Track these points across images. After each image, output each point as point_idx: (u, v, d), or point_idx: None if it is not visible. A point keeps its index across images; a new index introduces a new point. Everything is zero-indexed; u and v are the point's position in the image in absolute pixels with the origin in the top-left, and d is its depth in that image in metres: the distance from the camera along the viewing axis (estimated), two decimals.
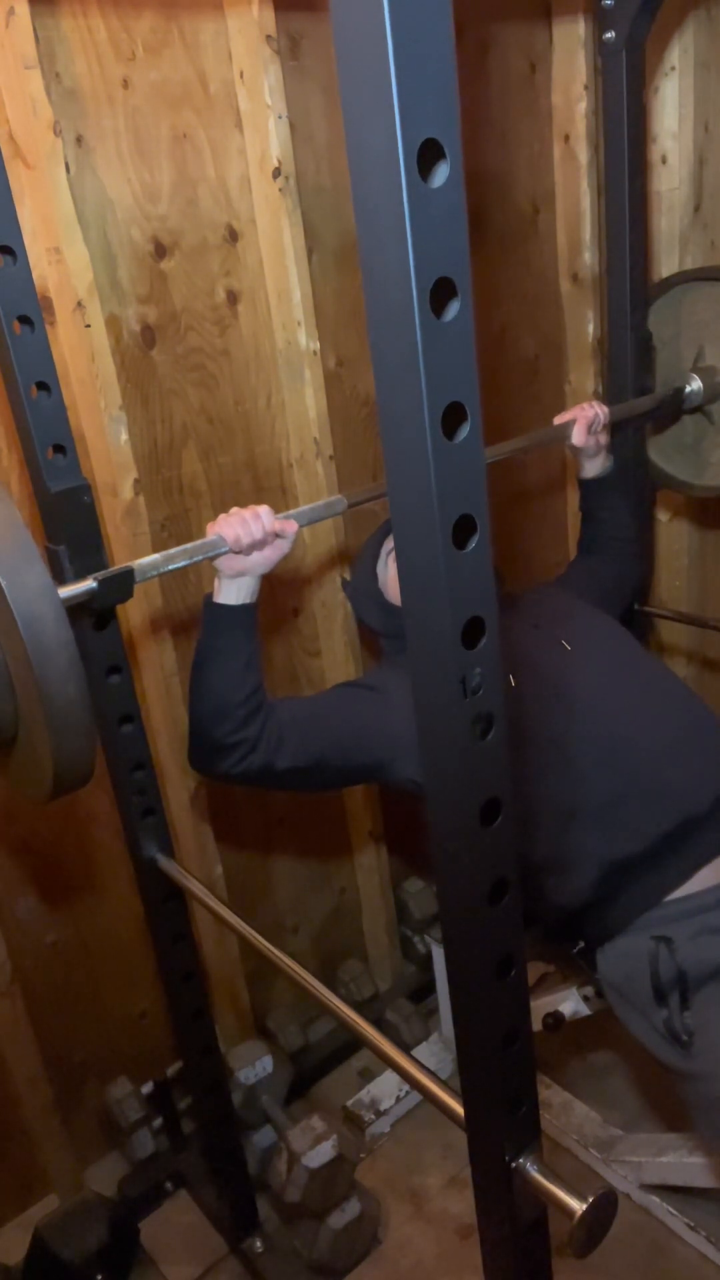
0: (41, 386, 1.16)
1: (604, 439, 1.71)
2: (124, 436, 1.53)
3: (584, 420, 1.65)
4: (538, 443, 1.74)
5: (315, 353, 1.69)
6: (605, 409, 1.68)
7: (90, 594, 1.11)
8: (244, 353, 1.68)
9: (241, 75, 1.54)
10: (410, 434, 0.57)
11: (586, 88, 1.93)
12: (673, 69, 1.96)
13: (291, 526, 1.29)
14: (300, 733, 1.34)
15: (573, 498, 2.29)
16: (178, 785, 1.74)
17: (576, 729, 1.38)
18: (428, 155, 0.51)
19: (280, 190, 1.58)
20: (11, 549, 0.87)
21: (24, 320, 1.13)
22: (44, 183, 1.36)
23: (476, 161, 1.92)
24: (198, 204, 1.56)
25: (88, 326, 1.44)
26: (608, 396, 2.06)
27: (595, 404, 1.68)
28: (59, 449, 1.19)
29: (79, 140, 1.42)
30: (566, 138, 1.99)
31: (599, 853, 1.33)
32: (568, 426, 1.66)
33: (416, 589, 0.63)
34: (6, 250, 1.10)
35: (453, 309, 0.55)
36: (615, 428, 1.80)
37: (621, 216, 1.82)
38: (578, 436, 1.65)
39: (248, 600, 1.31)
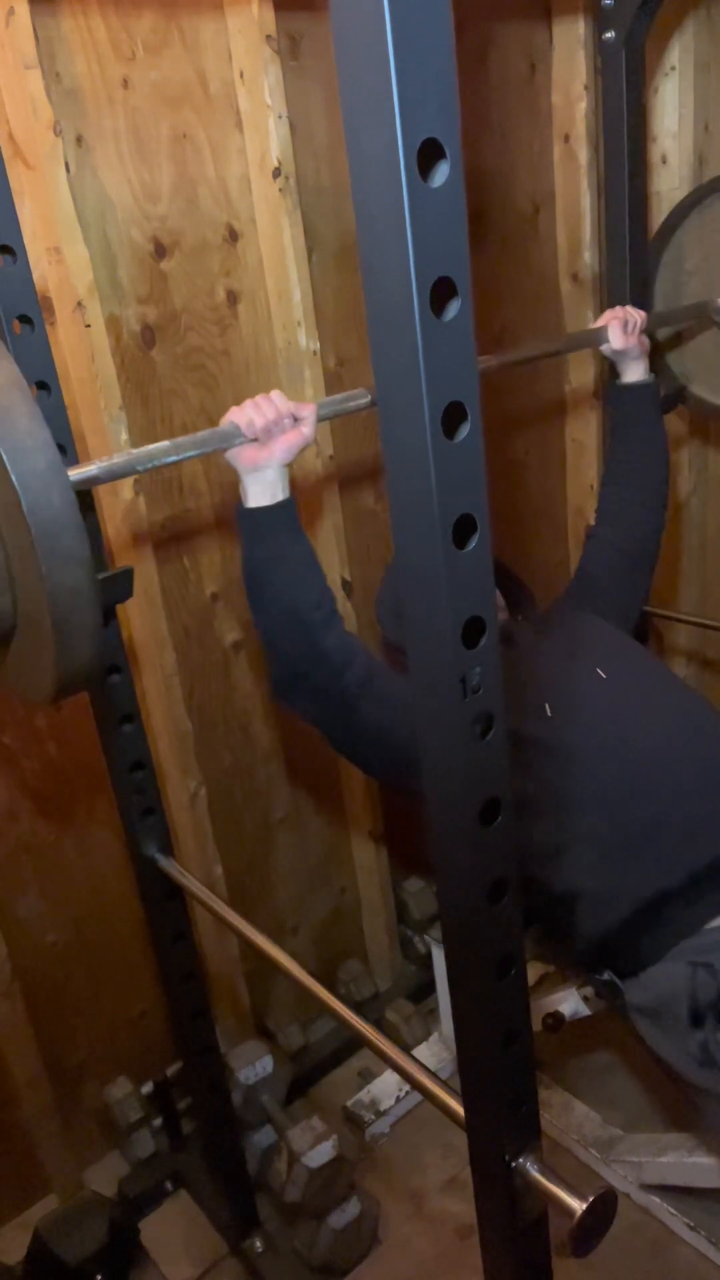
0: (41, 386, 1.16)
1: (646, 341, 1.66)
2: (124, 436, 1.53)
3: (618, 321, 1.62)
4: (568, 347, 1.68)
5: (315, 353, 1.69)
6: (640, 311, 1.65)
7: (93, 478, 1.05)
8: (244, 353, 1.68)
9: (241, 75, 1.54)
10: (410, 434, 0.57)
11: (586, 88, 1.93)
12: (673, 69, 1.96)
13: (308, 408, 1.21)
14: (383, 680, 1.27)
15: (573, 496, 2.29)
16: (178, 785, 1.74)
17: (613, 761, 1.35)
18: (428, 155, 0.51)
19: (280, 190, 1.58)
20: (16, 421, 0.79)
21: (24, 320, 1.13)
22: (44, 183, 1.36)
23: (476, 161, 1.92)
24: (198, 204, 1.56)
25: (88, 326, 1.44)
26: (608, 398, 2.06)
27: (627, 307, 1.65)
28: (59, 449, 1.19)
29: (79, 140, 1.42)
30: (566, 138, 1.99)
31: (636, 886, 1.29)
32: (603, 331, 1.62)
33: (416, 589, 0.63)
34: (6, 250, 1.10)
35: (453, 309, 0.55)
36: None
37: (621, 216, 1.82)
38: (616, 339, 1.61)
39: (281, 497, 1.21)
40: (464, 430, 0.58)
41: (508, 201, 1.99)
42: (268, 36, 1.50)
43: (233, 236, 1.62)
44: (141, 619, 1.62)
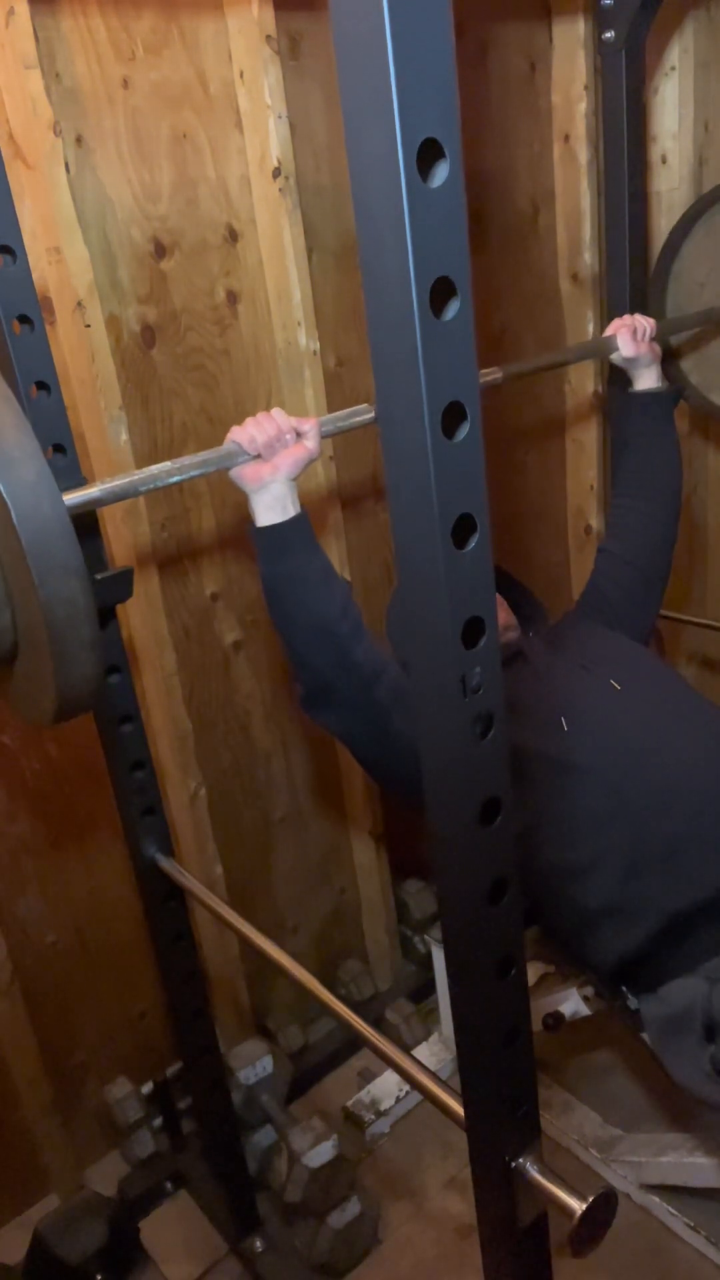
0: (41, 386, 1.16)
1: (657, 348, 1.65)
2: (124, 436, 1.53)
3: (627, 329, 1.60)
4: (579, 356, 1.67)
5: (315, 353, 1.69)
6: (648, 319, 1.64)
7: (94, 501, 1.04)
8: (244, 353, 1.68)
9: (241, 75, 1.54)
10: (410, 434, 0.57)
11: (586, 88, 1.93)
12: (673, 69, 1.96)
13: (310, 423, 1.20)
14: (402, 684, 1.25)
15: (573, 496, 2.29)
16: (178, 785, 1.74)
17: (633, 775, 1.34)
18: (428, 155, 0.51)
19: (280, 190, 1.58)
20: (4, 432, 0.79)
21: (24, 320, 1.13)
22: (44, 183, 1.36)
23: (476, 161, 1.92)
24: (198, 204, 1.56)
25: (88, 326, 1.44)
26: (608, 396, 2.06)
27: (635, 315, 1.64)
28: (59, 449, 1.19)
29: (79, 140, 1.42)
30: (566, 138, 1.99)
31: (661, 902, 1.28)
32: (612, 339, 1.61)
33: (416, 589, 0.63)
34: (6, 250, 1.10)
35: (453, 309, 0.55)
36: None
37: (621, 216, 1.82)
38: (626, 346, 1.60)
39: (292, 513, 1.19)
40: (464, 430, 0.58)
41: (508, 201, 1.99)
42: (268, 36, 1.50)
43: (233, 236, 1.62)
44: (141, 619, 1.62)
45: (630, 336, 1.61)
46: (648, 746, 1.37)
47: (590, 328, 2.12)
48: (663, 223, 2.06)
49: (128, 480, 1.07)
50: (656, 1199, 1.66)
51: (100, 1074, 1.85)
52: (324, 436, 1.22)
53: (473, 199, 1.84)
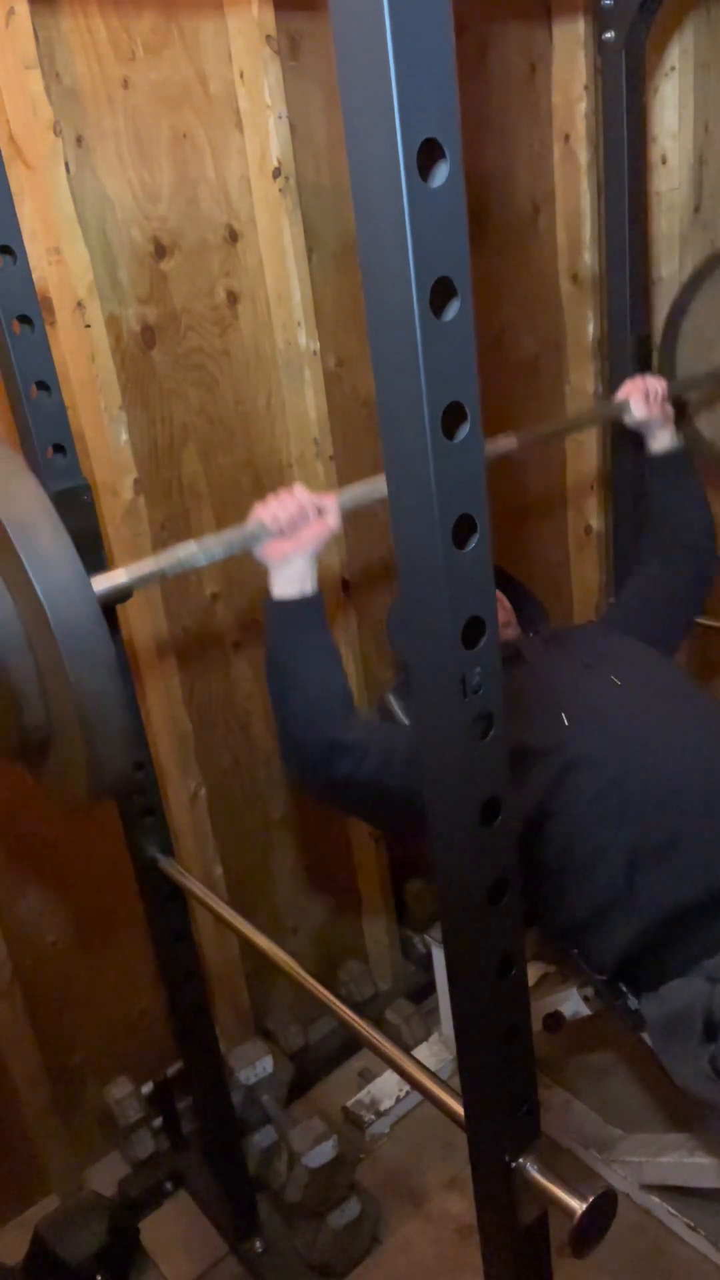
0: (41, 386, 1.16)
1: (669, 409, 1.66)
2: (124, 436, 1.53)
3: (639, 391, 1.62)
4: (591, 420, 1.69)
5: (315, 353, 1.69)
6: (659, 379, 1.65)
7: (122, 589, 1.05)
8: (244, 353, 1.68)
9: (241, 75, 1.54)
10: (410, 434, 0.57)
11: (586, 88, 1.93)
12: (673, 69, 1.96)
13: (330, 499, 1.23)
14: (404, 745, 1.27)
15: (573, 496, 2.29)
16: (178, 785, 1.74)
17: (634, 770, 1.34)
18: (428, 155, 0.51)
19: (280, 190, 1.58)
20: (42, 537, 0.80)
21: (24, 320, 1.13)
22: (44, 183, 1.36)
23: (476, 161, 1.92)
24: (198, 204, 1.56)
25: (88, 326, 1.44)
26: (608, 397, 2.06)
27: (646, 376, 1.65)
28: (59, 449, 1.19)
29: (79, 140, 1.42)
30: (566, 138, 1.99)
31: (662, 896, 1.28)
32: (624, 403, 1.62)
33: (416, 589, 0.63)
34: (6, 250, 1.10)
35: (453, 309, 0.55)
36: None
37: (621, 216, 1.82)
38: (638, 409, 1.62)
39: (309, 590, 1.23)
40: (464, 430, 0.58)
41: (508, 201, 1.99)
42: (268, 36, 1.51)
43: (233, 237, 1.62)
44: (141, 619, 1.62)
45: (643, 399, 1.62)
46: (648, 741, 1.38)
47: (590, 328, 2.12)
48: (663, 223, 2.06)
49: (155, 566, 1.09)
50: (656, 1199, 1.66)
51: (100, 1074, 1.85)
52: (342, 510, 1.25)
53: (473, 199, 1.84)
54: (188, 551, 1.10)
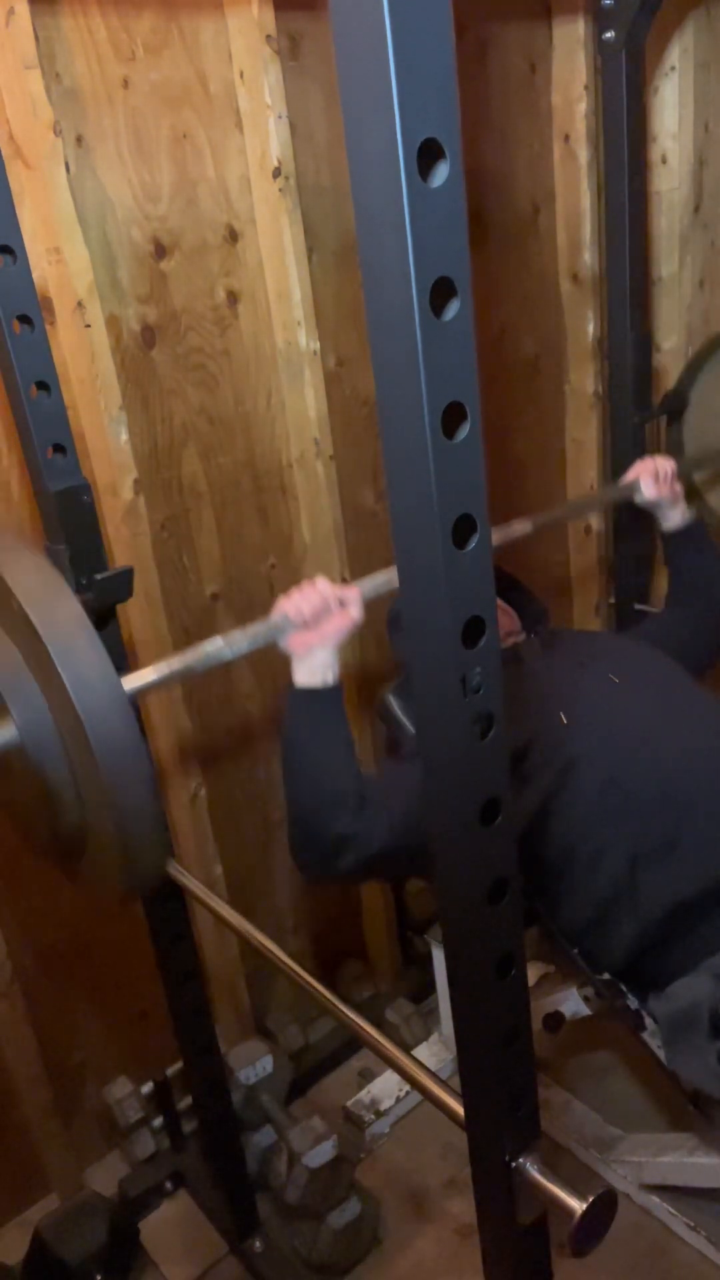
0: (41, 386, 1.16)
1: (678, 488, 1.69)
2: (124, 436, 1.53)
3: (648, 472, 1.64)
4: (602, 503, 1.72)
5: (315, 353, 1.69)
6: (668, 459, 1.68)
7: (150, 686, 1.08)
8: (244, 353, 1.68)
9: (241, 75, 1.54)
10: (410, 434, 0.57)
11: (586, 88, 1.93)
12: (673, 69, 1.96)
13: (353, 591, 1.25)
14: (400, 801, 1.27)
15: (573, 496, 2.29)
16: (178, 785, 1.74)
17: (633, 766, 1.35)
18: (428, 155, 0.51)
19: (280, 190, 1.58)
20: (81, 655, 0.82)
21: (24, 320, 1.13)
22: (44, 183, 1.36)
23: (476, 161, 1.92)
24: (198, 204, 1.56)
25: (88, 326, 1.44)
26: (608, 397, 2.06)
27: (655, 457, 1.67)
28: (59, 449, 1.19)
29: (79, 140, 1.42)
30: (566, 138, 1.99)
31: (664, 893, 1.29)
32: (634, 484, 1.65)
33: (416, 589, 0.63)
34: (6, 250, 1.10)
35: (453, 309, 0.55)
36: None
37: (621, 216, 1.82)
38: (648, 490, 1.64)
39: (331, 681, 1.24)
40: (464, 430, 0.58)
41: (508, 201, 1.99)
42: (268, 36, 1.51)
43: (233, 236, 1.62)
44: (141, 619, 1.62)
45: (652, 480, 1.64)
46: (647, 737, 1.38)
47: (590, 328, 2.12)
48: (663, 223, 2.06)
49: (182, 663, 1.11)
50: (656, 1199, 1.66)
51: (100, 1074, 1.85)
52: (365, 599, 1.26)
53: (473, 199, 1.84)
54: (214, 647, 1.12)
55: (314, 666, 1.23)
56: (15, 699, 0.86)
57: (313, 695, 1.24)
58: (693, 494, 1.75)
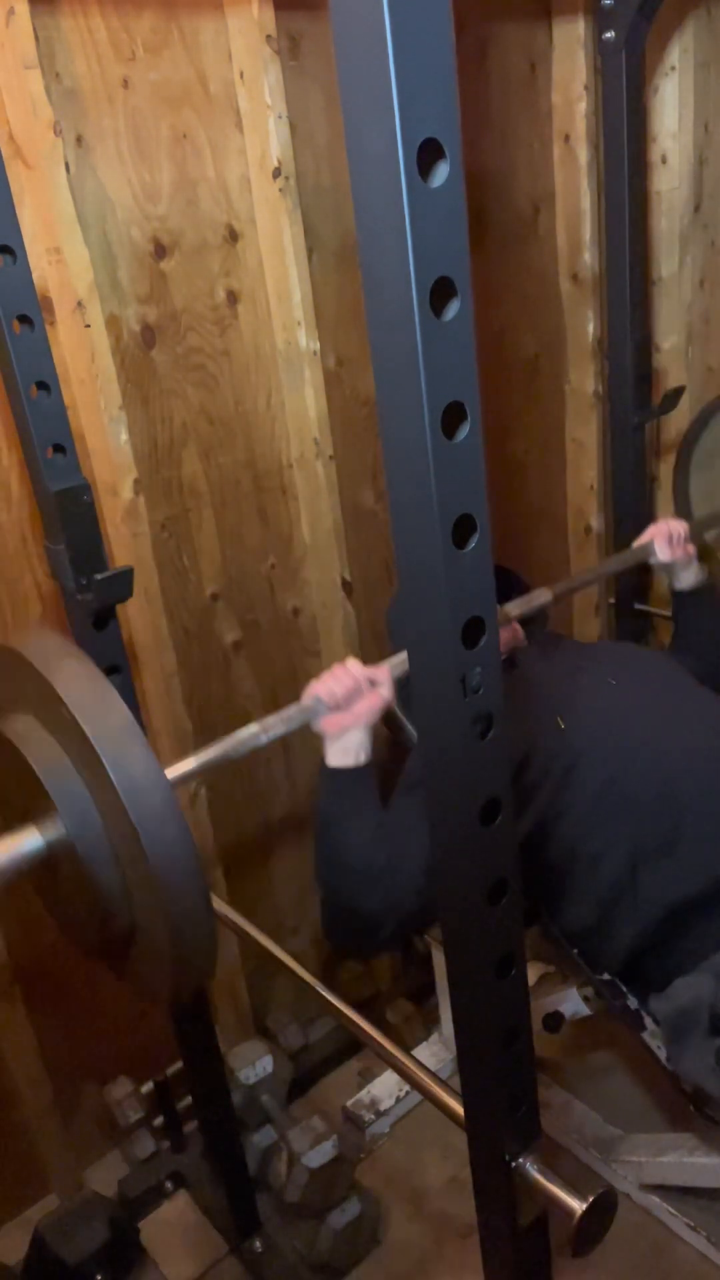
0: (41, 386, 1.16)
1: (691, 549, 1.70)
2: (124, 436, 1.53)
3: (662, 535, 1.66)
4: (619, 568, 1.74)
5: (315, 353, 1.69)
6: (681, 522, 1.69)
7: (191, 775, 1.10)
8: (244, 353, 1.68)
9: (241, 75, 1.54)
10: (410, 434, 0.57)
11: (586, 88, 1.93)
12: (673, 69, 1.96)
13: (383, 673, 1.26)
14: (418, 847, 1.26)
15: (573, 496, 2.29)
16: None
17: (632, 767, 1.35)
18: (428, 155, 0.51)
19: (280, 190, 1.58)
20: (133, 763, 0.83)
21: (24, 320, 1.13)
22: (44, 183, 1.36)
23: (476, 161, 1.92)
24: (198, 204, 1.56)
25: (88, 326, 1.44)
26: (608, 397, 2.06)
27: (669, 519, 1.69)
28: (59, 449, 1.19)
29: (79, 140, 1.42)
30: (566, 138, 1.99)
31: (664, 892, 1.29)
32: (648, 546, 1.67)
33: (416, 589, 0.63)
34: (6, 250, 1.10)
35: (453, 309, 0.55)
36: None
37: (621, 216, 1.82)
38: (663, 553, 1.66)
39: (363, 760, 1.26)
40: (464, 430, 0.58)
41: (508, 201, 1.99)
42: (268, 36, 1.51)
43: (233, 236, 1.62)
44: (141, 619, 1.62)
45: (666, 543, 1.65)
46: (646, 737, 1.38)
47: (590, 327, 2.12)
48: (663, 223, 2.06)
49: (220, 752, 1.13)
50: (656, 1199, 1.66)
51: (100, 1074, 1.84)
52: (394, 676, 1.27)
53: (473, 199, 1.84)
54: (249, 734, 1.14)
55: (347, 747, 1.25)
56: (63, 800, 0.87)
57: (344, 775, 1.25)
58: (705, 553, 1.77)
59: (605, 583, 2.31)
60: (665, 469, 2.24)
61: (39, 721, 0.90)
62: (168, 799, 0.84)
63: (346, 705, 1.23)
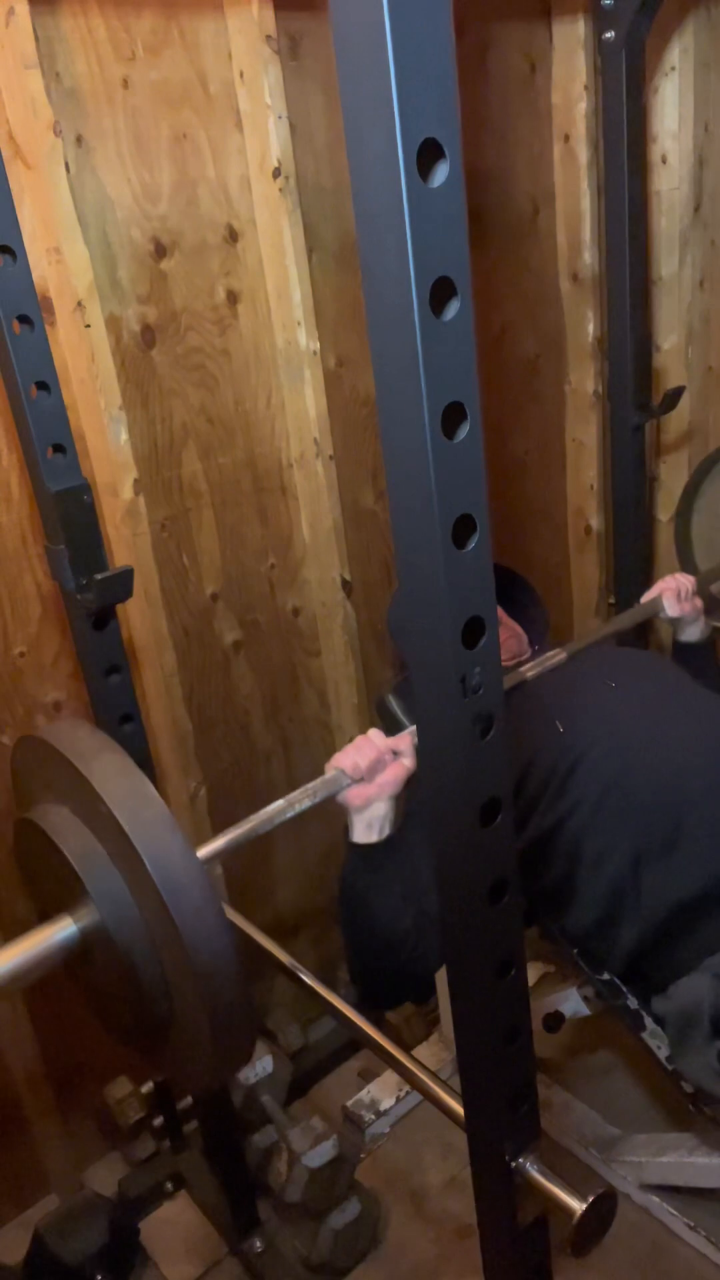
0: (41, 386, 1.16)
1: (699, 603, 1.71)
2: (124, 436, 1.53)
3: (671, 591, 1.67)
4: (630, 624, 1.75)
5: (315, 353, 1.69)
6: (688, 577, 1.71)
7: (221, 852, 1.12)
8: (244, 353, 1.68)
9: (241, 75, 1.54)
10: (410, 434, 0.57)
11: (586, 88, 1.93)
12: (673, 69, 1.96)
13: (405, 742, 1.26)
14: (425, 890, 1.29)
15: (573, 496, 2.29)
16: (178, 785, 1.74)
17: (634, 767, 1.35)
18: (428, 155, 0.51)
19: (280, 190, 1.58)
20: (172, 859, 0.85)
21: (24, 320, 1.13)
22: (44, 183, 1.36)
23: (476, 161, 1.92)
24: (198, 204, 1.56)
25: (88, 326, 1.44)
26: (608, 396, 2.06)
27: (676, 575, 1.71)
28: (59, 449, 1.19)
29: (79, 140, 1.42)
30: (566, 138, 1.99)
31: (665, 892, 1.30)
32: (656, 602, 1.68)
33: (416, 589, 0.63)
34: (6, 250, 1.10)
35: (452, 309, 0.55)
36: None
37: (621, 216, 1.82)
38: (672, 608, 1.67)
39: (388, 833, 1.26)
40: (464, 430, 0.58)
41: (508, 201, 1.99)
42: (268, 36, 1.51)
43: (233, 236, 1.62)
44: (141, 619, 1.62)
45: (675, 598, 1.67)
46: (647, 738, 1.39)
47: (590, 327, 2.12)
48: (663, 223, 2.06)
49: (249, 827, 1.15)
50: (656, 1199, 1.66)
51: (100, 1074, 1.84)
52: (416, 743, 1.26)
53: (473, 199, 1.84)
54: (276, 809, 1.15)
55: (371, 821, 1.25)
56: (98, 887, 0.88)
57: (370, 850, 1.25)
58: (711, 606, 1.78)
59: (605, 583, 2.32)
60: (665, 469, 2.25)
61: (71, 811, 0.91)
62: (205, 887, 0.85)
63: (370, 776, 1.22)
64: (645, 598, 1.72)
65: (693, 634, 1.74)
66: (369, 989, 1.31)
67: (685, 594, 1.69)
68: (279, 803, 1.15)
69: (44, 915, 0.96)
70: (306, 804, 1.18)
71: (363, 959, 1.29)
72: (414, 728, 1.30)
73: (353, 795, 1.23)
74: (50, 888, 0.95)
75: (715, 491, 2.06)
